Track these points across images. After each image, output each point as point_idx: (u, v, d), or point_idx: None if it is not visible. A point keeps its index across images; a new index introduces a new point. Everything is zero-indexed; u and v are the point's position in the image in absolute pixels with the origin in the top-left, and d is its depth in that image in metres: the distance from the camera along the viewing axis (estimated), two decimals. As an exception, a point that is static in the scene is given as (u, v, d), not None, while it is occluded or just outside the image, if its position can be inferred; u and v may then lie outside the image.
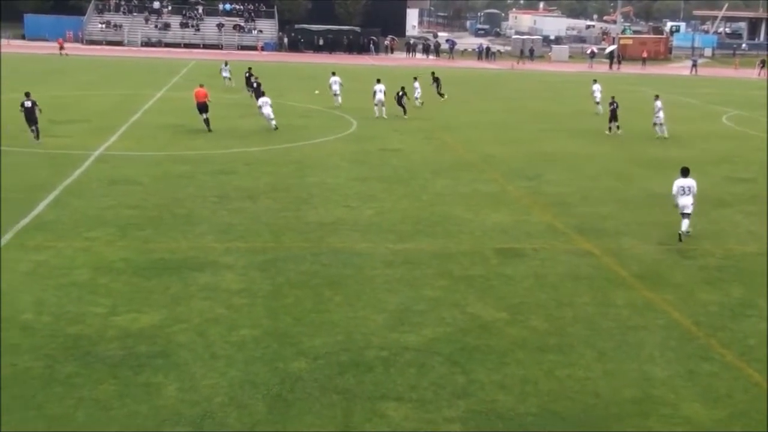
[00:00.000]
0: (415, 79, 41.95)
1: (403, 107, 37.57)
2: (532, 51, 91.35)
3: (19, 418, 9.55)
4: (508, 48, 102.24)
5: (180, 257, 15.77)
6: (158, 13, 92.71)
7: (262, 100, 33.30)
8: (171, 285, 14.20)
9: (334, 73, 41.60)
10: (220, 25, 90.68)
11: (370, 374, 11.04)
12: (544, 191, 23.15)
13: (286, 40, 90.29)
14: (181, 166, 24.60)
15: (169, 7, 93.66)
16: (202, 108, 31.33)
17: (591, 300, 14.26)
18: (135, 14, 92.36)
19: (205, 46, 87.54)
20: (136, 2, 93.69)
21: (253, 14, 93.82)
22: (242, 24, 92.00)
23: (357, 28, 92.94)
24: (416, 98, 40.87)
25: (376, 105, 36.82)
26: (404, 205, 20.77)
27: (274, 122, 32.35)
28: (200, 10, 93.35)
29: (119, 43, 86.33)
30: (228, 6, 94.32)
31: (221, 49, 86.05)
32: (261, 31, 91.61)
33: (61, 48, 70.79)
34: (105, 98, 40.71)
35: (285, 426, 9.63)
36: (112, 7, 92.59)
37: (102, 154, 25.93)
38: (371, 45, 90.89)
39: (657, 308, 13.98)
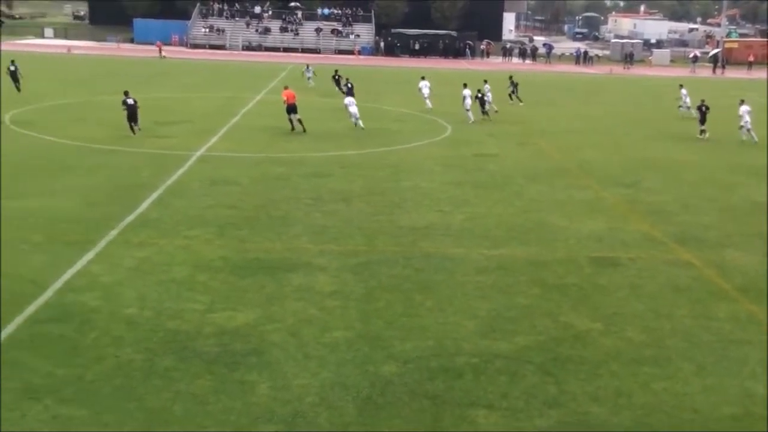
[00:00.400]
0: (485, 81, 41.63)
1: (486, 112, 37.40)
2: (631, 55, 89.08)
3: (121, 409, 9.91)
4: (607, 52, 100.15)
5: (275, 257, 16.08)
6: (259, 17, 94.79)
7: (348, 100, 34.24)
8: (266, 284, 14.49)
9: (423, 78, 41.67)
10: (318, 30, 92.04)
11: (460, 380, 11.00)
12: (642, 199, 22.59)
13: (382, 44, 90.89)
14: (278, 167, 25.08)
15: (270, 12, 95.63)
16: (292, 109, 31.95)
17: (690, 312, 13.84)
18: (237, 19, 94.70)
19: (304, 50, 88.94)
20: (238, 7, 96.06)
21: (350, 18, 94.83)
22: (340, 28, 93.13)
23: (453, 32, 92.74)
24: (488, 102, 40.28)
25: (467, 110, 36.68)
26: (498, 211, 20.62)
27: (360, 122, 32.81)
28: (299, 15, 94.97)
29: (221, 47, 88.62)
30: (326, 10, 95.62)
31: (319, 53, 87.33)
32: (358, 36, 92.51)
33: (160, 51, 73.16)
34: (207, 100, 41.87)
35: (375, 429, 9.70)
36: (215, 12, 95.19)
37: (203, 155, 26.68)
38: (467, 49, 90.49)
39: (761, 322, 13.45)
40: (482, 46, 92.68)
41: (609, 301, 14.30)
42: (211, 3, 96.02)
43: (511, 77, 46.35)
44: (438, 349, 12.02)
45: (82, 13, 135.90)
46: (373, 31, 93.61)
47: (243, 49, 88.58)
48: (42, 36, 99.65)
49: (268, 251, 16.49)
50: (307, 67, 52.41)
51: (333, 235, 17.85)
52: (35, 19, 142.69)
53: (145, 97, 41.19)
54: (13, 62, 41.69)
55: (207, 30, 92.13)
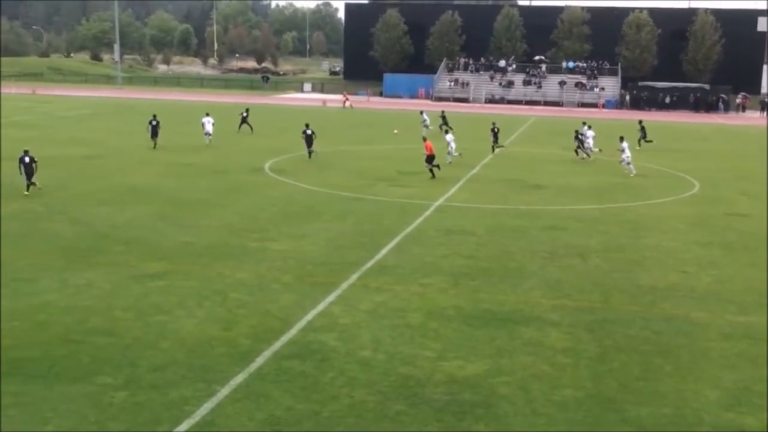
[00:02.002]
0: (586, 125, 42.21)
1: (585, 152, 38.91)
2: None
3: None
4: None
5: (507, 309, 16.06)
6: (503, 71, 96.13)
7: (449, 137, 37.18)
8: (497, 336, 14.50)
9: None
10: (561, 83, 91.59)
11: (699, 454, 10.31)
12: None
13: (628, 97, 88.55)
14: (515, 219, 25.11)
15: (514, 66, 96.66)
16: (430, 159, 32.96)
17: None
18: (481, 72, 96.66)
19: (546, 103, 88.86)
20: (483, 61, 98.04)
21: (596, 72, 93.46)
22: (584, 81, 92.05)
23: (706, 86, 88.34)
24: (590, 147, 40.57)
25: (627, 164, 35.86)
26: (748, 274, 19.21)
27: (456, 153, 36.15)
28: (543, 68, 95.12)
29: (465, 100, 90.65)
30: (571, 64, 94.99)
31: (561, 106, 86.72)
32: (603, 89, 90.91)
33: (346, 101, 76.16)
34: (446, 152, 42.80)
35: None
36: (461, 66, 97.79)
37: (441, 205, 27.34)
38: (720, 103, 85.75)
39: None
40: (738, 100, 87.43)
41: None
42: (458, 58, 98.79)
43: (640, 121, 46.27)
44: (676, 417, 11.37)
45: (337, 68, 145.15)
46: (619, 84, 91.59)
47: (485, 102, 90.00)
48: (301, 90, 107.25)
49: (501, 303, 16.51)
50: (422, 113, 52.56)
51: (568, 290, 17.53)
52: (296, 75, 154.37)
53: (390, 147, 43.00)
54: (246, 110, 50.13)
55: (452, 83, 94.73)
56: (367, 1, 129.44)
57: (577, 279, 18.41)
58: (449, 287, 17.55)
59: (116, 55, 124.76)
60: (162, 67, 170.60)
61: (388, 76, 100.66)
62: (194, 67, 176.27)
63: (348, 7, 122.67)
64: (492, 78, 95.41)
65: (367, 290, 17.10)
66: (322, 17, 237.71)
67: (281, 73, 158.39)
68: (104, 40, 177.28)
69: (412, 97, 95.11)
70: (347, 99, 78.00)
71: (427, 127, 50.59)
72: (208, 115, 44.23)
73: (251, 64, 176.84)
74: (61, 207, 25.01)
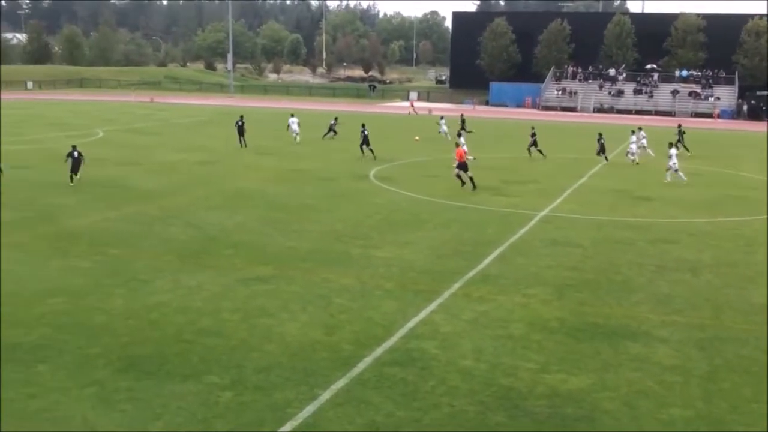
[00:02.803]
0: (638, 130, 42.77)
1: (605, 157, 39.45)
2: None
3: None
4: None
5: (613, 323, 15.70)
6: (613, 80, 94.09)
7: (461, 140, 35.93)
8: (602, 350, 14.20)
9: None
10: (674, 92, 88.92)
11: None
12: None
13: (745, 107, 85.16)
14: (622, 231, 24.52)
15: (624, 74, 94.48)
16: (463, 166, 31.70)
17: None
18: (590, 81, 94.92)
19: (657, 113, 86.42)
20: (591, 70, 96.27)
21: (711, 81, 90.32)
22: (698, 90, 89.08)
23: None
24: (633, 151, 41.66)
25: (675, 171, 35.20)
26: None
27: (470, 158, 34.51)
28: (655, 77, 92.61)
29: (572, 109, 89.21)
30: (684, 72, 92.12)
31: (673, 115, 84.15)
32: (718, 98, 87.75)
33: (411, 106, 76.80)
34: (553, 161, 42.28)
35: None
36: (569, 75, 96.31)
37: (546, 215, 26.97)
38: None
39: None
40: None
41: None
42: (566, 66, 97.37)
43: (679, 125, 46.79)
44: (791, 442, 10.87)
45: (443, 77, 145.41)
46: (736, 94, 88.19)
47: (594, 111, 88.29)
48: (407, 99, 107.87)
49: (607, 316, 16.15)
50: (441, 119, 53.54)
51: (677, 305, 16.99)
52: (403, 83, 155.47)
53: (494, 156, 42.76)
54: (335, 119, 52.20)
55: (559, 92, 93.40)
56: (474, 10, 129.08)
57: (687, 294, 17.83)
58: (553, 299, 17.30)
59: (229, 65, 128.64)
60: (272, 76, 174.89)
61: (494, 85, 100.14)
62: (303, 75, 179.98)
63: (455, 15, 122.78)
64: (601, 87, 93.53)
65: (470, 299, 17.05)
66: (429, 26, 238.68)
67: (388, 81, 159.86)
68: (218, 49, 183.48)
69: (519, 106, 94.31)
70: (413, 106, 79.09)
71: (446, 134, 51.21)
72: (293, 116, 50.70)
73: (358, 72, 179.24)
74: (175, 211, 25.98)
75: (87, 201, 27.30)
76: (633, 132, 43.24)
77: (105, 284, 17.42)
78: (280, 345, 13.99)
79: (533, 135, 43.58)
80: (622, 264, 20.46)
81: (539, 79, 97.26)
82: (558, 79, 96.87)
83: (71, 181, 30.47)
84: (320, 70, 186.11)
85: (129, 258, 19.74)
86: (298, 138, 48.42)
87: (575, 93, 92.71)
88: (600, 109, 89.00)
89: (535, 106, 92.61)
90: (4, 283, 17.20)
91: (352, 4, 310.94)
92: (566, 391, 12.38)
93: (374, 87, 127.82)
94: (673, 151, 35.65)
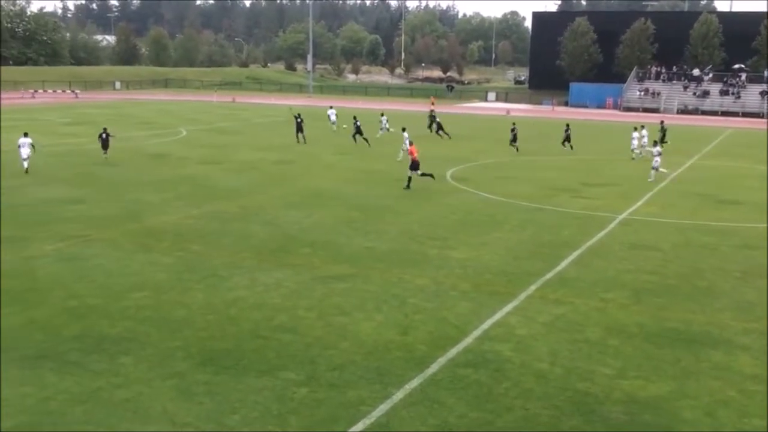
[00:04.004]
0: (641, 128, 42.35)
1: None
2: None
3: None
4: None
5: (694, 330, 15.32)
6: (698, 80, 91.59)
7: (405, 134, 38.46)
8: (682, 357, 13.87)
9: None
10: (763, 93, 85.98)
11: None
12: None
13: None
14: (705, 236, 23.88)
15: (710, 75, 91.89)
16: (415, 166, 31.45)
17: None
18: (674, 82, 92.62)
19: (744, 114, 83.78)
20: (676, 70, 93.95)
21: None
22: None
23: None
24: (636, 148, 41.72)
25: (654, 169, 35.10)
26: None
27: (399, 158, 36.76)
28: (743, 78, 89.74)
29: (655, 110, 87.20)
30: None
31: (762, 117, 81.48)
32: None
33: (432, 104, 75.47)
34: (635, 163, 41.41)
35: None
36: (652, 75, 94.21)
37: (626, 218, 26.47)
38: None
39: None
40: None
41: None
42: (649, 66, 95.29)
43: (662, 122, 46.55)
44: None
45: (522, 77, 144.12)
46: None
47: (677, 113, 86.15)
48: (485, 99, 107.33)
49: (688, 323, 15.76)
50: (382, 115, 52.87)
51: (761, 313, 16.45)
52: (481, 84, 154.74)
53: (572, 158, 42.18)
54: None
55: (642, 93, 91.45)
56: (555, 10, 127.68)
57: (773, 302, 17.25)
58: (631, 303, 16.97)
59: (309, 65, 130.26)
60: (351, 77, 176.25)
61: (574, 86, 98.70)
62: (381, 76, 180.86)
63: (536, 15, 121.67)
64: (685, 88, 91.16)
65: (546, 302, 16.88)
66: (508, 26, 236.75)
67: (466, 82, 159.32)
68: (298, 50, 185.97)
69: (600, 107, 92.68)
70: (433, 103, 78.54)
71: (387, 130, 51.01)
72: (331, 108, 57.01)
73: (437, 73, 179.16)
74: (255, 209, 26.46)
75: (170, 199, 28.05)
76: (636, 129, 43.93)
77: (186, 279, 17.89)
78: (355, 343, 14.12)
79: (567, 130, 46.15)
80: (705, 269, 19.93)
81: (621, 79, 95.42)
82: (640, 79, 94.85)
83: (104, 155, 37.59)
84: (398, 70, 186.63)
85: (209, 254, 20.21)
86: (335, 127, 53.91)
87: (658, 94, 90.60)
88: (684, 110, 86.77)
89: (616, 107, 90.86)
90: (97, 277, 17.88)
91: (431, 4, 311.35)
92: (644, 398, 12.14)
93: (452, 87, 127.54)
94: (658, 149, 35.87)
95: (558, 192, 30.97)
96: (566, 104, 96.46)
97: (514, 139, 45.19)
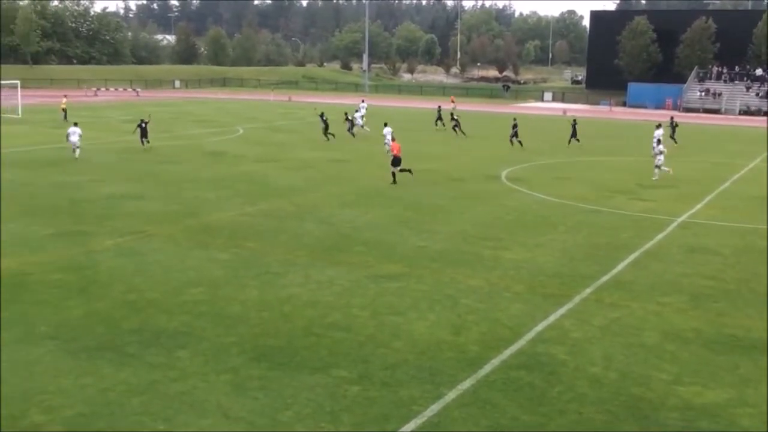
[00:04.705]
0: (657, 127, 40.51)
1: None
2: None
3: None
4: None
5: (754, 336, 14.97)
6: (762, 80, 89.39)
7: (386, 129, 40.28)
8: (741, 364, 13.57)
9: None
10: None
11: None
12: None
13: None
14: (767, 241, 23.30)
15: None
16: (396, 162, 32.00)
17: None
18: (736, 82, 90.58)
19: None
20: (738, 70, 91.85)
21: None
22: None
23: None
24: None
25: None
26: None
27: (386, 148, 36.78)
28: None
29: (716, 111, 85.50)
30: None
31: (829, 118, 79.21)
32: None
33: (452, 102, 75.37)
34: (695, 165, 40.67)
35: None
36: (713, 75, 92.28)
37: (685, 221, 25.99)
38: None
39: None
40: None
41: None
42: (710, 66, 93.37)
43: (672, 118, 44.59)
44: None
45: (579, 77, 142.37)
46: None
47: (739, 114, 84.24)
48: (541, 99, 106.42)
49: (748, 329, 15.42)
50: (356, 112, 54.50)
51: (826, 321, 16.01)
52: (537, 84, 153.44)
53: (630, 159, 41.58)
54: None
55: (702, 93, 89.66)
56: (614, 8, 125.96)
57: (838, 309, 16.76)
58: (689, 308, 16.67)
59: (365, 65, 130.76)
60: (406, 76, 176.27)
61: (632, 86, 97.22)
62: (437, 75, 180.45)
63: (594, 14, 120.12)
64: (748, 88, 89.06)
65: (601, 305, 16.67)
66: (566, 25, 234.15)
67: (522, 82, 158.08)
68: (354, 50, 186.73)
69: (658, 107, 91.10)
70: (453, 101, 78.45)
71: (362, 126, 51.69)
72: (363, 101, 59.32)
73: (492, 72, 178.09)
74: (309, 207, 26.67)
75: (227, 196, 28.43)
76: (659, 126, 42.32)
77: (241, 276, 18.12)
78: (408, 343, 14.14)
79: (574, 123, 47.05)
80: (766, 275, 19.45)
81: (681, 79, 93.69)
82: (701, 79, 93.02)
83: (143, 144, 40.49)
84: (454, 70, 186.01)
85: (264, 251, 20.44)
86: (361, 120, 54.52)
87: (719, 94, 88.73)
88: (747, 112, 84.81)
89: (676, 107, 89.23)
90: (155, 271, 18.24)
91: (487, 4, 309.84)
92: (701, 405, 11.92)
93: (508, 87, 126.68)
94: (661, 147, 35.42)
95: (615, 194, 30.56)
96: (624, 104, 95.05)
97: (514, 135, 45.20)
